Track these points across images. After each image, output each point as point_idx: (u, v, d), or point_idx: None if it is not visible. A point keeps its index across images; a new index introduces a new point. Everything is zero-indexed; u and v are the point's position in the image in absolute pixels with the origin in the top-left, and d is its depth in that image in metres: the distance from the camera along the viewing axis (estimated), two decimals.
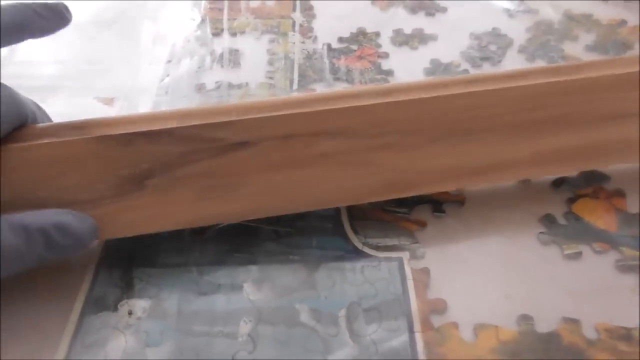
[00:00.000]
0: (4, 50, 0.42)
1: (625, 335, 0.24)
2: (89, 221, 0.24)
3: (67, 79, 0.40)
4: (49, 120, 0.28)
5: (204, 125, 0.24)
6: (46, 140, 0.24)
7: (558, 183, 0.30)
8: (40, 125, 0.25)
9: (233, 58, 0.41)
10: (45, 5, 0.25)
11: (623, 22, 0.43)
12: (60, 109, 0.37)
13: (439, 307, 0.25)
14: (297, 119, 0.25)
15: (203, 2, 0.47)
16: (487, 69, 0.39)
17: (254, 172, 0.25)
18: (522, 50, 0.41)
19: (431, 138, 0.26)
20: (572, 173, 0.30)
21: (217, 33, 0.43)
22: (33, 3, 0.25)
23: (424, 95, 0.25)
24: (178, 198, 0.25)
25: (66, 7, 0.26)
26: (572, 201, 0.29)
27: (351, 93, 0.26)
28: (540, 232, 0.28)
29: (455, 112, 0.26)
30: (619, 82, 0.27)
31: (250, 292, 0.26)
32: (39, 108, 0.27)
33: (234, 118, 0.24)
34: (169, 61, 0.41)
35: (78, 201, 0.25)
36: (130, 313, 0.25)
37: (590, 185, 0.30)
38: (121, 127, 0.24)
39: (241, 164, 0.25)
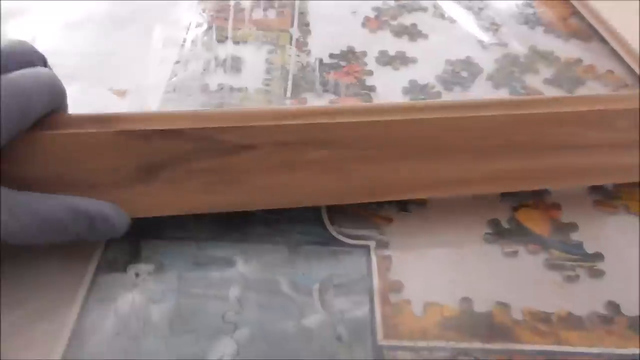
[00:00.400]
0: (26, 40, 0.47)
1: (544, 318, 0.29)
2: (125, 217, 0.28)
3: (84, 70, 0.44)
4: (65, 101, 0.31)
5: (214, 128, 0.28)
6: (75, 131, 0.28)
7: (506, 194, 0.36)
8: (69, 115, 0.29)
9: (235, 64, 0.45)
10: (102, 216, 0.28)
11: (579, 61, 0.49)
12: (77, 96, 0.42)
13: (396, 287, 0.30)
14: (293, 130, 0.29)
15: (210, 10, 0.52)
16: (457, 92, 0.45)
17: (253, 171, 0.30)
18: (489, 78, 0.46)
19: (404, 154, 0.31)
20: (516, 190, 0.35)
21: (221, 40, 0.48)
22: (93, 212, 0.27)
23: (401, 117, 0.30)
24: (186, 188, 0.29)
25: (121, 221, 0.28)
26: (515, 209, 0.35)
27: (340, 110, 0.30)
28: (486, 233, 0.33)
29: (426, 134, 0.31)
30: (567, 118, 0.32)
31: (240, 265, 0.30)
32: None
33: (240, 124, 0.29)
34: (177, 62, 0.45)
35: (100, 184, 0.28)
36: (137, 275, 0.29)
37: (532, 198, 0.36)
38: (141, 124, 0.28)
39: (243, 164, 0.29)
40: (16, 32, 0.47)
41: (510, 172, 0.33)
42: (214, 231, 0.32)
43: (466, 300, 0.30)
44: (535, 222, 0.34)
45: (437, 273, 0.31)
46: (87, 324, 0.27)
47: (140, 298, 0.28)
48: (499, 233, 0.33)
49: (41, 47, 0.46)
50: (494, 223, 0.34)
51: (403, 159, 0.31)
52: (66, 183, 0.28)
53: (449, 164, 0.32)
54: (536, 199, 0.36)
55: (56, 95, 0.28)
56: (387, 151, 0.31)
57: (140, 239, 0.31)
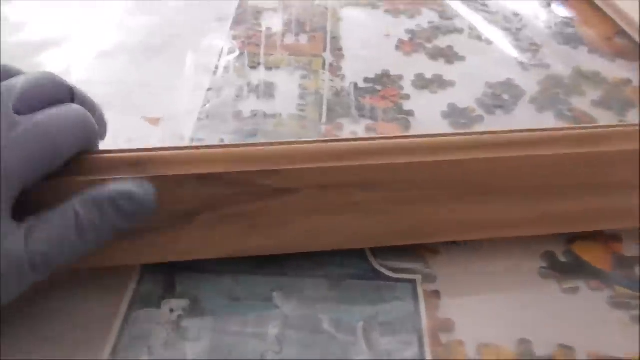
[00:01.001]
0: (60, 69, 0.47)
1: None
2: (147, 186, 0.25)
3: (118, 98, 0.44)
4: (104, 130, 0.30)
5: (252, 172, 0.27)
6: (108, 177, 0.26)
7: None
8: (100, 157, 0.27)
9: (268, 90, 0.44)
10: (127, 194, 0.25)
11: (628, 81, 0.47)
12: (110, 125, 0.41)
13: (447, 326, 0.28)
14: (334, 172, 0.28)
15: (241, 37, 0.51)
16: (500, 116, 0.43)
17: (294, 215, 0.28)
18: (532, 101, 0.45)
19: (454, 195, 0.29)
20: (578, 231, 0.32)
21: (254, 66, 0.47)
22: (114, 192, 0.25)
23: (449, 157, 0.28)
24: (222, 234, 0.28)
25: (148, 200, 0.25)
26: (571, 241, 0.32)
27: (381, 149, 0.28)
28: (541, 267, 0.31)
29: (478, 174, 0.29)
30: (635, 156, 0.29)
31: (279, 300, 0.29)
32: (101, 119, 0.30)
33: (278, 167, 0.27)
34: (210, 89, 0.44)
35: (134, 230, 0.26)
36: (171, 310, 0.28)
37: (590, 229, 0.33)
38: (175, 166, 0.27)
39: (282, 208, 0.28)
40: (50, 63, 0.48)
41: (569, 213, 0.30)
42: (251, 265, 0.30)
43: (524, 342, 0.27)
44: (595, 256, 0.32)
45: (490, 311, 0.29)
46: None
47: (174, 336, 0.27)
48: (555, 267, 0.31)
49: (75, 77, 0.47)
50: (549, 256, 0.32)
51: (452, 200, 0.29)
52: None
53: (501, 205, 0.30)
54: (594, 230, 0.33)
55: (87, 134, 0.27)
56: (435, 192, 0.29)
57: (175, 272, 0.30)
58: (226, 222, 0.28)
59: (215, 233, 0.28)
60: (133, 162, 0.27)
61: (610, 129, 0.31)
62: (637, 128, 0.30)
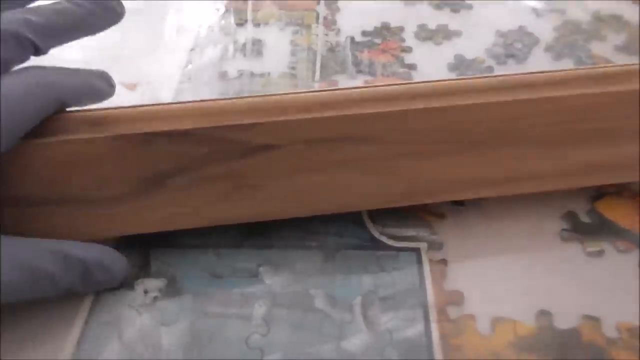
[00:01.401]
0: None
1: None
2: (124, 261, 0.25)
3: (93, 64, 0.40)
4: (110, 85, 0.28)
5: (227, 127, 0.24)
6: (66, 137, 0.23)
7: None
8: (60, 117, 0.24)
9: (256, 48, 0.41)
10: (98, 3, 0.25)
11: None
12: None
13: (456, 299, 0.25)
14: (321, 124, 0.24)
15: None
16: (512, 65, 0.39)
17: (278, 174, 0.25)
18: (548, 49, 0.40)
19: (457, 148, 0.25)
20: (598, 184, 0.29)
21: (240, 23, 0.43)
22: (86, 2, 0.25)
23: (451, 102, 0.24)
24: (200, 198, 0.25)
25: (119, 4, 0.26)
26: (595, 199, 0.29)
27: (377, 95, 0.25)
28: (563, 229, 0.27)
29: (482, 123, 0.25)
30: None
31: (266, 276, 0.26)
32: (100, 76, 0.27)
33: (257, 120, 0.24)
34: (192, 49, 0.41)
35: (98, 199, 0.24)
36: (145, 292, 0.25)
37: (615, 184, 0.29)
38: (141, 124, 0.24)
39: (264, 167, 0.25)
40: None
41: (591, 164, 0.27)
42: (235, 237, 0.27)
43: (545, 314, 0.24)
44: (622, 214, 0.28)
45: (505, 280, 0.25)
46: (87, 351, 0.23)
47: (149, 320, 0.24)
48: (578, 229, 0.27)
49: None
50: (571, 217, 0.28)
51: (457, 152, 0.25)
52: (59, 200, 0.24)
53: (512, 157, 0.26)
54: (620, 185, 0.29)
55: (55, 95, 0.24)
56: (437, 144, 0.25)
57: (150, 249, 0.27)
58: (202, 186, 0.25)
59: (190, 198, 0.25)
60: (95, 121, 0.24)
61: (630, 67, 0.27)
62: None
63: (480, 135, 0.25)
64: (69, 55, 0.41)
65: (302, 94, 0.25)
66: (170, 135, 0.24)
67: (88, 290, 0.24)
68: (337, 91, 0.25)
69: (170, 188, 0.25)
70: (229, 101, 0.25)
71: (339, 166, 0.25)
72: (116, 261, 0.24)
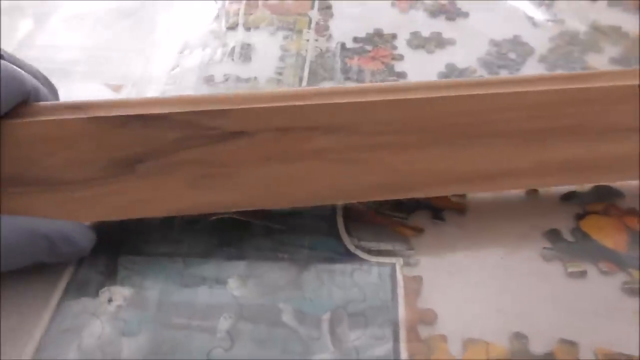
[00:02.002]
0: (24, 33, 0.43)
1: None
2: (90, 234, 0.25)
3: (80, 64, 0.40)
4: (57, 98, 0.28)
5: (200, 112, 0.24)
6: (40, 118, 0.24)
7: (567, 197, 0.29)
8: (39, 104, 0.25)
9: (245, 52, 0.40)
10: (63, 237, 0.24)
11: None
12: (70, 93, 0.37)
13: (428, 318, 0.24)
14: (294, 112, 0.24)
15: None
16: (504, 76, 0.38)
17: (248, 163, 0.25)
18: (542, 59, 0.39)
19: (433, 140, 0.25)
20: (579, 185, 0.29)
21: (232, 27, 0.43)
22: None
23: (427, 95, 0.24)
24: (169, 184, 0.25)
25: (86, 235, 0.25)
26: (580, 217, 0.28)
27: (351, 89, 0.25)
28: (544, 247, 0.26)
29: (460, 115, 0.25)
30: (635, 94, 0.25)
31: (234, 287, 0.25)
32: (50, 85, 0.27)
33: (230, 107, 0.24)
34: (181, 52, 0.40)
35: (67, 181, 0.24)
36: (110, 300, 0.24)
37: (601, 202, 0.28)
38: (117, 110, 0.24)
39: (235, 154, 0.24)
40: (11, 27, 0.44)
41: (565, 163, 0.26)
42: (205, 246, 0.26)
43: (519, 336, 0.23)
44: (607, 233, 0.27)
45: (480, 299, 0.24)
46: (45, 358, 0.22)
47: (110, 329, 0.23)
48: (560, 248, 0.27)
49: (38, 42, 0.43)
50: (554, 235, 0.27)
51: (432, 145, 0.25)
52: (30, 181, 0.24)
53: (487, 153, 0.26)
54: (606, 203, 0.29)
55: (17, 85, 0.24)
56: (412, 136, 0.25)
57: (118, 256, 0.26)
58: (172, 172, 0.24)
59: (160, 185, 0.25)
60: (74, 107, 0.24)
61: (607, 71, 0.27)
62: (637, 68, 0.26)
63: (452, 128, 0.25)
64: (60, 55, 0.41)
65: (275, 90, 0.25)
66: (143, 118, 0.24)
67: (56, 261, 0.24)
68: (309, 88, 0.25)
69: (140, 173, 0.24)
70: (204, 94, 0.25)
71: (310, 156, 0.25)
72: (82, 234, 0.24)
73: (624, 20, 0.43)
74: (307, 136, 0.24)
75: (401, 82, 0.25)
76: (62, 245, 0.24)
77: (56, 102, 0.25)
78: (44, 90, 0.26)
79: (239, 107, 0.24)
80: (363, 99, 0.24)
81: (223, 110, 0.24)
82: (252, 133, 0.24)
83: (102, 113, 0.24)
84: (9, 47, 0.41)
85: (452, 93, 0.24)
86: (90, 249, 0.25)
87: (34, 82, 0.26)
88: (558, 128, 0.25)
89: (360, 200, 0.26)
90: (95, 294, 0.25)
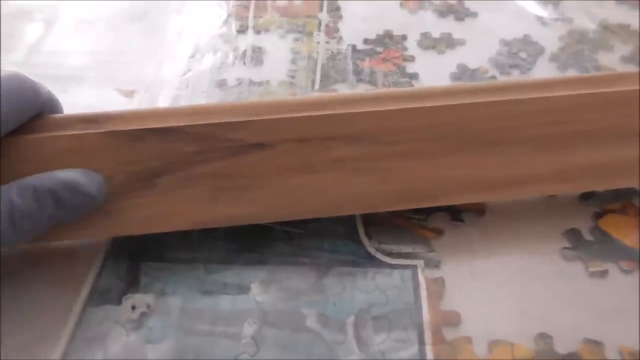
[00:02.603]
0: (33, 39, 0.43)
1: None
2: (96, 177, 0.23)
3: (91, 70, 0.40)
4: (61, 110, 0.28)
5: (218, 124, 0.24)
6: (57, 133, 0.24)
7: (585, 197, 0.29)
8: (54, 116, 0.25)
9: (256, 55, 0.40)
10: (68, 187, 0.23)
11: None
12: (81, 99, 0.38)
13: (453, 320, 0.24)
14: (313, 122, 0.24)
15: (230, 0, 0.47)
16: (516, 76, 0.38)
17: (268, 174, 0.25)
18: (553, 58, 0.39)
19: (453, 148, 0.25)
20: (600, 189, 0.29)
21: (242, 30, 0.43)
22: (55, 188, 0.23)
23: (448, 102, 0.24)
24: (189, 198, 0.25)
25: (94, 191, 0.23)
26: (599, 216, 0.28)
27: (371, 96, 0.25)
28: (564, 247, 0.27)
29: (480, 122, 0.25)
30: None
31: (256, 293, 0.25)
32: (56, 99, 0.27)
33: (249, 118, 0.24)
34: (192, 56, 0.40)
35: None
36: (133, 308, 0.24)
37: (619, 201, 0.28)
38: (134, 122, 0.24)
39: (255, 166, 0.24)
40: (22, 33, 0.44)
41: (585, 168, 0.26)
42: (226, 252, 0.26)
43: (544, 337, 0.23)
44: (626, 232, 0.27)
45: (503, 300, 0.25)
46: None
47: (135, 337, 0.23)
48: (580, 247, 0.27)
49: (47, 47, 0.43)
50: (573, 234, 0.27)
51: (452, 153, 0.25)
52: None
53: (506, 159, 0.25)
54: (624, 202, 0.29)
55: (25, 101, 0.24)
56: (432, 145, 0.25)
57: (140, 261, 0.26)
58: (191, 186, 0.24)
59: (179, 198, 0.25)
60: (89, 120, 0.24)
61: (623, 73, 0.27)
62: None
63: (472, 135, 0.25)
64: (70, 61, 0.41)
65: (294, 98, 0.25)
66: (160, 132, 0.23)
67: (70, 217, 0.23)
68: (329, 94, 0.25)
69: (159, 187, 0.24)
70: (221, 104, 0.25)
71: (331, 166, 0.25)
72: (88, 179, 0.23)
73: (633, 18, 0.43)
74: (328, 146, 0.24)
75: (420, 87, 0.25)
76: (68, 195, 0.22)
77: (70, 114, 0.25)
78: (55, 104, 0.26)
79: (258, 118, 0.24)
80: (382, 107, 0.24)
81: (241, 122, 0.24)
82: (272, 144, 0.24)
83: (117, 126, 0.24)
84: (18, 54, 0.41)
85: (471, 100, 0.24)
86: (102, 197, 0.23)
87: (50, 93, 0.25)
88: (578, 132, 0.25)
89: (381, 210, 0.26)
90: (118, 301, 0.25)
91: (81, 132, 0.24)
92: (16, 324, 0.24)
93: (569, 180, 0.27)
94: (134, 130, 0.24)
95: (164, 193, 0.24)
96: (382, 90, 0.25)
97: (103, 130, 0.24)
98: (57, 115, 0.25)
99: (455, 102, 0.24)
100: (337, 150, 0.24)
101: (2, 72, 0.23)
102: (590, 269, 0.26)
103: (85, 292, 0.25)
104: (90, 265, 0.26)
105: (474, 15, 0.44)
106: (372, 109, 0.24)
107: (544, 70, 0.38)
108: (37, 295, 0.25)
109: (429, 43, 0.41)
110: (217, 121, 0.24)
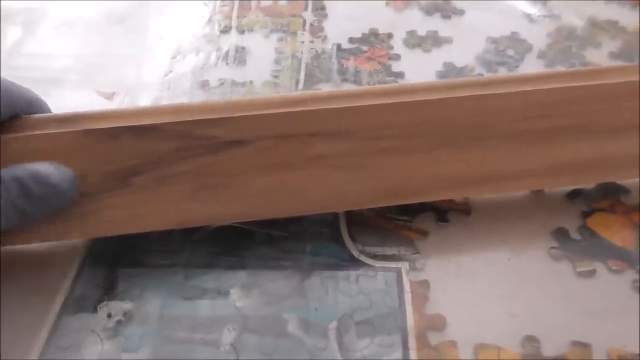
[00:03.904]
0: (11, 42, 0.42)
1: None
2: (67, 172, 0.23)
3: (72, 72, 0.39)
4: (48, 111, 0.27)
5: (195, 121, 0.23)
6: (31, 133, 0.23)
7: (573, 195, 0.28)
8: (29, 116, 0.24)
9: (239, 56, 0.39)
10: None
11: None
12: (62, 101, 0.36)
13: (438, 324, 0.23)
14: (293, 119, 0.23)
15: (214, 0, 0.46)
16: (503, 73, 0.37)
17: (247, 172, 0.24)
18: (541, 55, 0.39)
19: (436, 143, 0.24)
20: (587, 185, 0.28)
21: (225, 30, 0.42)
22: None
23: (430, 97, 0.24)
24: (166, 197, 0.24)
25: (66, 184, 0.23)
26: (587, 215, 0.27)
27: (352, 93, 0.24)
28: (552, 247, 0.26)
29: (464, 117, 0.24)
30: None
31: (237, 298, 0.24)
32: (39, 100, 0.26)
33: (226, 115, 0.23)
34: (174, 57, 0.40)
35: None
36: (109, 316, 0.24)
37: (607, 199, 0.28)
38: (110, 121, 0.24)
39: (234, 164, 0.24)
40: (2, 36, 0.43)
41: (571, 162, 0.26)
42: (206, 256, 0.26)
43: (531, 339, 0.23)
44: (615, 231, 0.27)
45: (490, 303, 0.24)
46: None
47: (110, 346, 0.23)
48: (568, 246, 0.26)
49: (26, 51, 0.42)
50: (561, 233, 0.27)
51: (436, 148, 0.25)
52: None
53: (491, 154, 0.25)
54: (612, 200, 0.28)
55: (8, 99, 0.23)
56: (415, 140, 0.24)
57: (117, 267, 0.25)
58: (168, 184, 0.24)
59: (156, 198, 0.24)
60: (65, 119, 0.24)
61: (610, 67, 0.26)
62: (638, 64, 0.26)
63: (456, 130, 0.24)
64: (50, 63, 0.40)
65: (272, 96, 0.24)
66: (136, 130, 0.23)
67: (37, 211, 0.22)
68: (307, 93, 0.24)
69: (136, 187, 0.24)
70: (199, 102, 0.24)
71: (311, 163, 0.24)
72: (57, 171, 0.22)
73: (620, 14, 0.43)
74: (307, 143, 0.24)
75: (402, 83, 0.25)
76: (35, 186, 0.21)
77: (46, 114, 0.25)
78: (38, 105, 0.25)
79: (235, 115, 0.23)
80: (363, 103, 0.24)
81: (218, 118, 0.23)
82: (250, 141, 0.24)
83: (93, 125, 0.23)
84: None
85: (455, 94, 0.24)
86: (72, 193, 0.23)
87: (28, 97, 0.25)
88: (564, 127, 0.25)
89: (364, 207, 0.26)
90: (94, 309, 0.24)
91: (56, 131, 0.23)
92: None
93: (555, 174, 0.26)
94: (109, 128, 0.23)
95: (140, 192, 0.24)
96: (362, 88, 0.25)
97: (78, 129, 0.23)
98: (33, 116, 0.25)
99: (437, 97, 0.24)
100: (318, 147, 0.24)
101: None
102: (579, 269, 0.25)
103: (60, 299, 0.24)
104: (66, 271, 0.25)
105: (461, 13, 0.44)
106: (351, 105, 0.23)
107: (531, 68, 0.38)
108: (9, 302, 0.24)
109: (415, 41, 0.41)
110: (193, 118, 0.23)
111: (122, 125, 0.23)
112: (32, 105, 0.25)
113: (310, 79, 0.37)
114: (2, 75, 0.23)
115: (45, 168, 0.22)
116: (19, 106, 0.24)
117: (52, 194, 0.22)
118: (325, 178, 0.24)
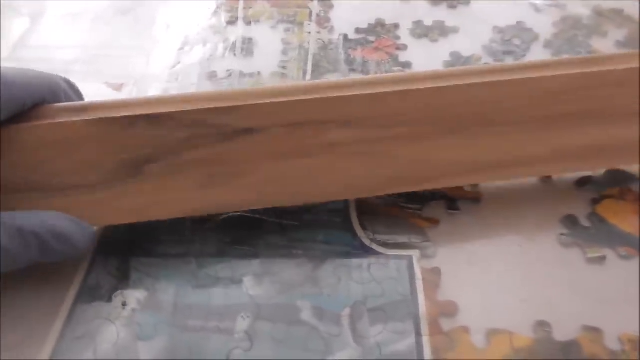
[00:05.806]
0: (18, 34, 0.42)
1: None
2: (88, 230, 0.23)
3: (80, 64, 0.39)
4: (81, 99, 0.27)
5: (207, 110, 0.23)
6: (45, 122, 0.23)
7: (582, 182, 0.28)
8: (44, 106, 0.24)
9: (246, 47, 0.39)
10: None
11: None
12: None
13: (450, 310, 0.23)
14: (305, 106, 0.24)
15: None
16: (509, 62, 0.37)
17: (260, 160, 0.24)
18: (547, 45, 0.39)
19: (446, 130, 0.25)
20: (596, 171, 0.28)
21: (231, 21, 0.42)
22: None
23: (439, 84, 0.24)
24: (179, 185, 0.24)
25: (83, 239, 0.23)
26: (596, 202, 0.28)
27: (363, 81, 0.24)
28: (562, 234, 0.26)
29: (473, 103, 0.24)
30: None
31: (250, 286, 0.24)
32: (71, 87, 0.26)
33: (238, 103, 0.23)
34: (181, 48, 0.40)
35: (74, 185, 0.24)
36: (124, 304, 0.24)
37: (616, 186, 0.28)
38: (123, 110, 0.24)
39: (246, 152, 0.24)
40: (7, 28, 0.43)
41: (581, 148, 0.26)
42: (218, 245, 0.26)
43: (542, 325, 0.23)
44: (624, 217, 0.27)
45: (501, 289, 0.24)
46: None
47: (126, 334, 0.23)
48: (578, 233, 0.26)
49: (33, 43, 0.42)
50: (571, 220, 0.27)
51: (444, 136, 0.25)
52: (34, 186, 0.23)
53: (501, 141, 0.25)
54: (621, 187, 0.28)
55: (28, 88, 0.23)
56: (425, 127, 0.24)
57: (130, 257, 0.26)
58: (181, 173, 0.24)
59: (169, 186, 0.24)
60: (78, 109, 0.24)
61: (618, 53, 0.27)
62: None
63: (465, 117, 0.24)
64: (58, 55, 0.40)
65: (284, 85, 0.24)
66: (149, 118, 0.23)
67: (52, 260, 0.23)
68: (319, 81, 0.24)
69: (149, 175, 0.24)
70: (211, 91, 0.25)
71: (322, 151, 0.24)
72: (76, 230, 0.23)
73: (625, 3, 0.43)
74: (319, 131, 0.24)
75: (412, 71, 0.25)
76: (54, 243, 0.22)
77: (60, 104, 0.25)
78: (69, 93, 0.25)
79: (248, 103, 0.23)
80: (374, 91, 0.24)
81: (231, 107, 0.23)
82: (262, 129, 0.24)
83: (106, 114, 0.23)
84: (4, 49, 0.40)
85: (464, 82, 0.24)
86: (88, 247, 0.24)
87: (53, 85, 0.25)
88: (572, 113, 0.25)
89: (375, 195, 0.26)
90: (109, 298, 0.24)
91: (69, 120, 0.23)
92: (3, 324, 0.23)
93: (564, 160, 0.26)
94: (122, 117, 0.23)
95: (153, 181, 0.24)
96: (372, 76, 0.25)
97: (91, 118, 0.23)
98: (48, 106, 0.24)
99: (448, 84, 0.24)
100: (329, 135, 0.24)
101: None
102: (589, 255, 0.25)
103: (74, 289, 0.25)
104: (79, 262, 0.25)
105: (467, 2, 0.44)
106: (363, 92, 0.23)
107: (538, 57, 0.38)
108: (24, 293, 0.24)
109: (422, 31, 0.41)
110: (206, 107, 0.23)
111: (137, 114, 0.23)
112: (56, 94, 0.25)
113: (318, 70, 0.37)
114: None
115: (66, 225, 0.23)
116: (41, 95, 0.24)
117: (71, 251, 0.23)
118: (336, 165, 0.25)
